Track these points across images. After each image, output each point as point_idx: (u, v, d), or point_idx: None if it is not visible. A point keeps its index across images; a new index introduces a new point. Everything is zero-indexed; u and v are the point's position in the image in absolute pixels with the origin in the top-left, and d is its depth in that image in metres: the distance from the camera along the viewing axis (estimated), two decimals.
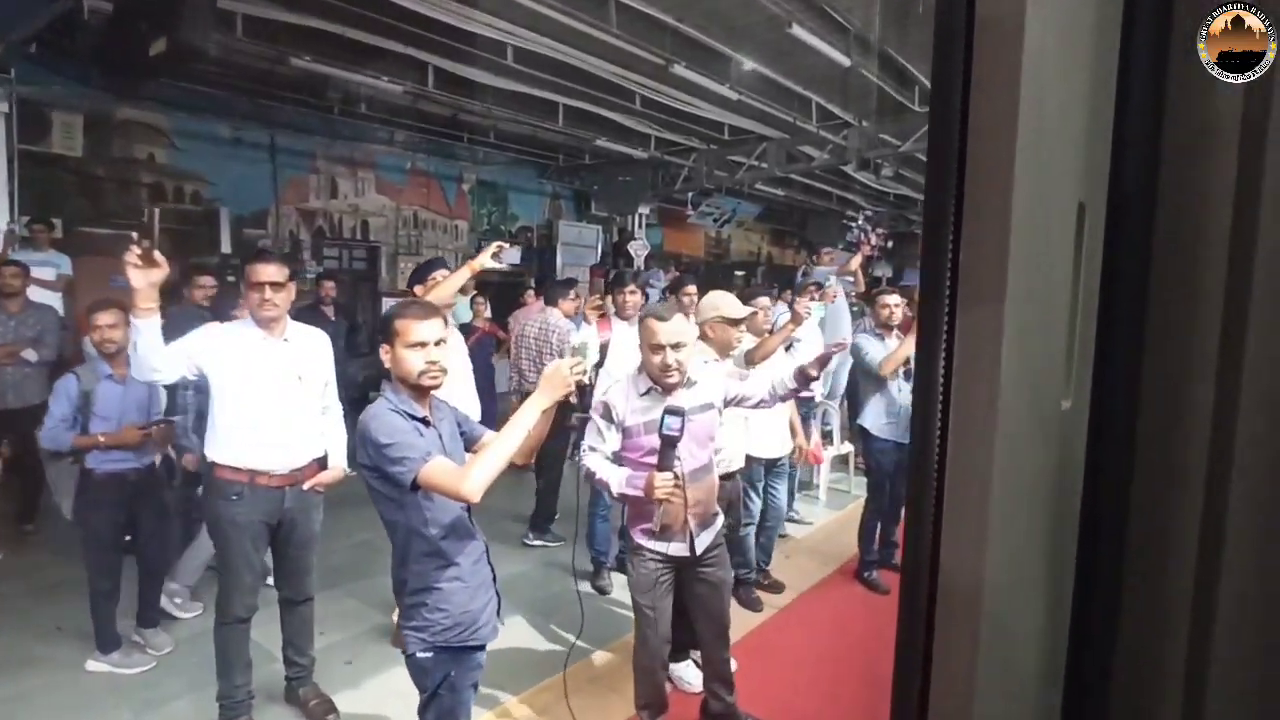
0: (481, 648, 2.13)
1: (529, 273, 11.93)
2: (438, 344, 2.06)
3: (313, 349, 3.00)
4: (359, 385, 6.50)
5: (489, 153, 10.80)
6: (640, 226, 12.13)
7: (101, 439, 3.25)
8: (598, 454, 2.65)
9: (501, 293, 8.78)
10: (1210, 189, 0.75)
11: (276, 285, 2.79)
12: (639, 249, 11.60)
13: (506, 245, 3.34)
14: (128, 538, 3.48)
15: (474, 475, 1.86)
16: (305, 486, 2.93)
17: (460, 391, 3.24)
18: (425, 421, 2.04)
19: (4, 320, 4.67)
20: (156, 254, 2.44)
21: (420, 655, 2.05)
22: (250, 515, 2.82)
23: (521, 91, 7.68)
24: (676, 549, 2.68)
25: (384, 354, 2.07)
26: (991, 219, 0.71)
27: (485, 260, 3.27)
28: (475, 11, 5.93)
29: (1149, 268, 0.78)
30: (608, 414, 2.66)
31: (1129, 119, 0.77)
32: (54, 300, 6.13)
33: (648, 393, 2.63)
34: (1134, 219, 0.78)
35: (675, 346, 2.56)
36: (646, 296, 4.78)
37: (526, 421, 1.94)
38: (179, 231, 8.52)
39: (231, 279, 8.83)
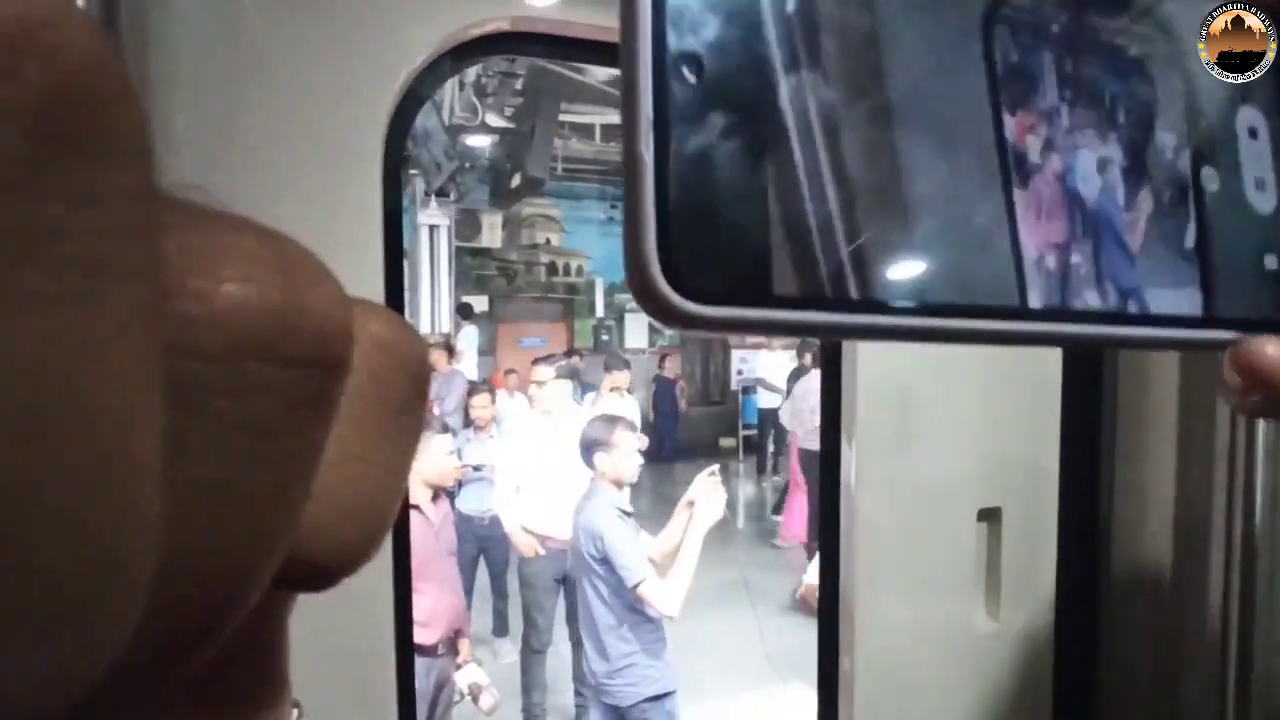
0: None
1: None
2: None
3: None
4: None
5: None
6: None
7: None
8: None
9: None
10: None
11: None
12: None
13: None
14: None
15: (675, 597, 2.29)
16: None
17: None
18: (627, 513, 2.47)
19: None
20: None
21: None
22: (542, 572, 3.51)
23: None
24: None
25: (602, 461, 2.49)
26: None
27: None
28: None
29: None
30: None
31: None
32: (471, 364, 8.01)
33: None
34: None
35: None
36: None
37: (699, 544, 2.30)
38: (567, 300, 10.37)
39: (605, 338, 10.49)
